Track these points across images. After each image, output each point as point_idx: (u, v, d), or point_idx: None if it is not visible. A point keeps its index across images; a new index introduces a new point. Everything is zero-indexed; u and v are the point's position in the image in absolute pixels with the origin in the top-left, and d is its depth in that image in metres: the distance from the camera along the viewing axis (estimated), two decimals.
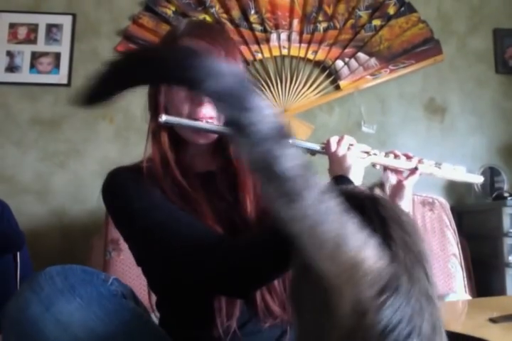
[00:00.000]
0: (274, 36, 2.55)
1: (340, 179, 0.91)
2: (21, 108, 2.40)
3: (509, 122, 2.67)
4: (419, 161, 1.02)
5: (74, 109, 2.40)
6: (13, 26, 2.45)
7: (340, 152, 0.96)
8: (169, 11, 2.50)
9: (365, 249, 0.46)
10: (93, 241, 2.05)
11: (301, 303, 0.55)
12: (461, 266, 2.11)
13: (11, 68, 2.43)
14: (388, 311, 0.44)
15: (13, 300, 0.72)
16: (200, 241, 0.80)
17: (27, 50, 2.45)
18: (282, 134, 0.46)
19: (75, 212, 2.34)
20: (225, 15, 2.52)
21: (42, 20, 2.47)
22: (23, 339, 0.69)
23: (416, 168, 1.01)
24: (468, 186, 2.50)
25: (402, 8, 2.63)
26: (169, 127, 0.94)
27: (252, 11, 2.54)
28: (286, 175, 0.45)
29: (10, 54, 2.44)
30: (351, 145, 0.98)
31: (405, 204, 1.01)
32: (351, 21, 2.60)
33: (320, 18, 2.58)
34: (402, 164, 1.02)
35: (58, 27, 2.47)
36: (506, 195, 2.35)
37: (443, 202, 2.23)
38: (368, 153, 1.00)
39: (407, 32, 2.62)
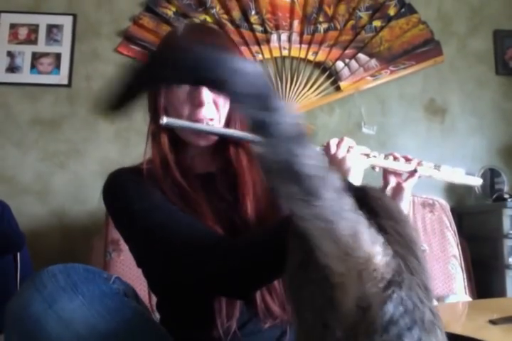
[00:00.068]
0: (274, 37, 2.55)
1: None
2: (22, 108, 2.41)
3: (509, 123, 2.67)
4: (419, 163, 1.03)
5: (74, 109, 2.41)
6: (13, 27, 2.46)
7: (340, 154, 0.97)
8: (170, 11, 2.50)
9: (375, 245, 0.47)
10: (93, 242, 2.05)
11: (301, 302, 0.55)
12: (461, 268, 2.11)
13: (12, 68, 2.43)
14: (391, 305, 0.45)
15: (16, 298, 0.72)
16: (200, 241, 0.80)
17: (27, 50, 2.45)
18: (303, 134, 0.47)
19: (75, 213, 2.34)
20: (225, 16, 2.53)
21: (42, 21, 2.47)
22: (25, 336, 0.70)
23: (415, 171, 1.02)
24: (468, 187, 2.49)
25: (403, 9, 2.63)
26: (169, 129, 0.94)
27: (253, 12, 2.54)
28: (307, 174, 0.46)
29: (10, 54, 2.44)
30: (351, 147, 0.99)
31: (404, 205, 1.02)
32: (352, 22, 2.60)
33: (320, 19, 2.58)
34: (402, 166, 1.02)
35: (59, 27, 2.47)
36: (506, 196, 2.35)
37: (443, 203, 2.23)
38: (367, 155, 1.00)
39: (407, 33, 2.63)
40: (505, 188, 2.51)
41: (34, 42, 2.46)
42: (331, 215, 0.46)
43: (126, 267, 1.83)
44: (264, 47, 2.53)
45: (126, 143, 2.40)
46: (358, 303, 0.46)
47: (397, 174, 1.04)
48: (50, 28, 2.47)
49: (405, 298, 0.46)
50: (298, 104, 2.49)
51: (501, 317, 1.11)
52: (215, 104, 0.93)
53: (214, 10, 2.52)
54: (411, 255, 0.52)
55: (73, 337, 0.69)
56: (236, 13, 2.52)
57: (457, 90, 2.66)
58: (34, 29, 2.47)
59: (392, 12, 2.63)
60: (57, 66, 2.44)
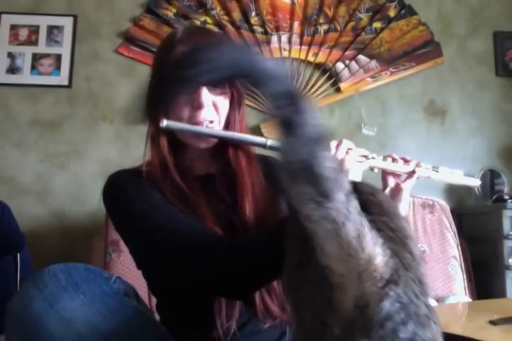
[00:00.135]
0: (274, 38, 2.55)
1: None
2: (22, 109, 2.41)
3: (509, 124, 2.67)
4: (417, 165, 1.03)
5: (74, 110, 2.41)
6: (14, 28, 2.46)
7: (339, 156, 0.97)
8: (170, 12, 2.50)
9: (376, 247, 0.48)
10: (93, 243, 2.05)
11: (300, 302, 0.55)
12: (462, 268, 2.11)
13: (12, 69, 2.43)
14: (388, 302, 0.46)
15: (17, 297, 0.72)
16: (200, 241, 0.80)
17: (28, 51, 2.45)
18: (325, 137, 0.49)
19: (75, 213, 2.34)
20: (225, 17, 2.53)
21: (43, 22, 2.48)
22: (26, 335, 0.70)
23: (413, 172, 1.02)
24: (468, 188, 2.50)
25: (403, 11, 2.64)
26: (169, 131, 0.94)
27: (253, 13, 2.54)
28: (324, 176, 0.47)
29: (11, 55, 2.44)
30: (350, 149, 0.99)
31: (403, 206, 1.02)
32: (352, 24, 2.61)
33: (321, 21, 2.58)
34: (400, 168, 1.03)
35: (59, 28, 2.48)
36: (506, 197, 2.36)
37: (443, 204, 2.23)
38: (366, 156, 1.01)
39: (407, 34, 2.63)
40: (505, 189, 2.51)
41: (34, 43, 2.46)
42: (339, 217, 0.47)
43: (126, 268, 1.83)
44: (265, 49, 2.53)
45: (126, 143, 2.40)
46: (357, 302, 0.47)
47: (395, 175, 1.04)
48: (51, 29, 2.48)
49: (401, 294, 0.47)
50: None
51: (501, 318, 1.11)
52: (215, 106, 0.93)
53: (214, 11, 2.52)
54: (405, 251, 0.53)
55: (74, 336, 0.69)
56: (236, 15, 2.53)
57: (457, 91, 2.67)
58: (34, 30, 2.47)
59: (392, 13, 2.64)
60: (58, 67, 2.44)
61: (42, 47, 2.46)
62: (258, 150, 1.02)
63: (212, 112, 0.93)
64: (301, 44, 2.56)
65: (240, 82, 0.55)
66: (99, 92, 2.45)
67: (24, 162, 2.37)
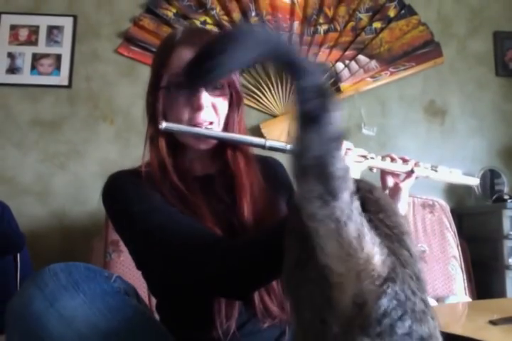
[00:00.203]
0: None
1: None
2: (22, 109, 2.41)
3: (509, 125, 2.67)
4: (416, 164, 1.04)
5: (74, 110, 2.41)
6: (14, 28, 2.46)
7: None
8: (170, 13, 2.50)
9: (374, 246, 0.48)
10: (93, 243, 2.05)
11: (299, 300, 0.56)
12: (462, 268, 2.11)
13: (12, 70, 2.43)
14: (386, 299, 0.47)
15: (17, 296, 0.73)
16: (199, 242, 0.80)
17: (28, 51, 2.45)
18: (342, 138, 0.50)
19: (75, 214, 2.34)
20: (225, 17, 2.53)
21: (43, 22, 2.48)
22: (26, 334, 0.70)
23: (412, 171, 1.03)
24: (468, 188, 2.50)
25: (403, 11, 2.64)
26: (167, 133, 0.94)
27: (253, 13, 2.54)
28: (335, 175, 0.47)
29: (11, 55, 2.44)
30: (348, 149, 0.99)
31: (402, 206, 1.02)
32: (352, 24, 2.61)
33: (320, 21, 2.58)
34: (399, 167, 1.03)
35: (59, 29, 2.48)
36: (506, 197, 2.36)
37: (443, 204, 2.23)
38: (365, 156, 1.01)
39: (407, 34, 2.63)
40: (505, 189, 2.51)
41: (34, 43, 2.46)
42: (343, 217, 0.47)
43: (126, 268, 1.83)
44: None
45: (126, 143, 2.40)
46: (355, 300, 0.47)
47: (394, 175, 1.04)
48: (51, 29, 2.48)
49: (399, 291, 0.48)
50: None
51: (501, 318, 1.11)
52: (214, 107, 0.94)
53: (214, 11, 2.52)
54: (402, 247, 0.54)
55: (74, 336, 0.69)
56: (236, 15, 2.53)
57: (457, 92, 2.67)
58: (34, 30, 2.47)
59: (392, 13, 2.64)
60: (58, 67, 2.44)
61: (42, 48, 2.46)
62: (257, 151, 1.02)
63: (212, 114, 0.94)
64: (301, 44, 2.56)
65: (276, 66, 0.54)
66: (99, 92, 2.45)
67: (24, 162, 2.37)
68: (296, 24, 2.58)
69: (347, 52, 2.57)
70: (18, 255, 1.86)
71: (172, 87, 0.92)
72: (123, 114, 2.42)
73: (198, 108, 0.91)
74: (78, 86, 2.44)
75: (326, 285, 0.49)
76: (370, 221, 0.52)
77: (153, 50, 2.34)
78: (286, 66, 0.51)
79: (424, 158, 1.08)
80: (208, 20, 2.52)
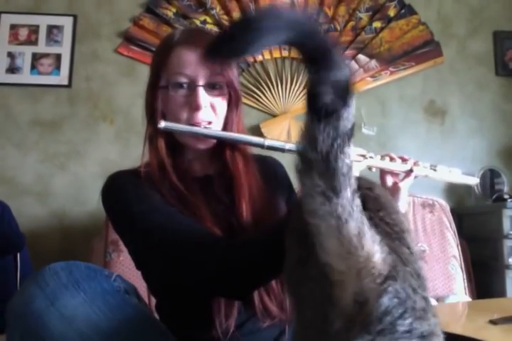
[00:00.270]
0: None
1: None
2: (22, 109, 2.41)
3: (509, 125, 2.67)
4: (415, 163, 1.04)
5: (74, 110, 2.41)
6: (14, 27, 2.46)
7: None
8: (170, 12, 2.50)
9: (374, 244, 0.48)
10: (93, 243, 2.05)
11: (300, 298, 0.56)
12: (461, 268, 2.11)
13: (12, 69, 2.43)
14: (387, 298, 0.47)
15: (18, 295, 0.73)
16: (199, 242, 0.80)
17: (28, 51, 2.45)
18: (352, 134, 0.50)
19: (76, 214, 2.34)
20: (225, 17, 2.53)
21: (43, 22, 2.48)
22: (27, 333, 0.70)
23: (411, 170, 1.02)
24: (468, 188, 2.50)
25: (403, 11, 2.64)
26: (166, 133, 0.95)
27: (253, 13, 2.53)
28: (341, 172, 0.48)
29: (11, 55, 2.44)
30: None
31: (401, 205, 1.02)
32: (352, 23, 2.61)
33: (320, 20, 2.58)
34: (398, 166, 1.03)
35: (59, 28, 2.48)
36: (506, 196, 2.36)
37: (443, 203, 2.23)
38: (364, 156, 1.01)
39: (407, 34, 2.63)
40: (505, 189, 2.51)
41: (34, 43, 2.46)
42: (344, 214, 0.47)
43: (126, 268, 1.83)
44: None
45: (126, 144, 2.40)
46: (356, 298, 0.47)
47: (393, 174, 1.04)
48: (51, 28, 2.48)
49: (399, 289, 0.48)
50: (298, 105, 2.49)
51: (501, 318, 1.11)
52: (213, 107, 0.94)
53: (214, 11, 2.52)
54: (402, 245, 0.54)
55: (75, 334, 0.69)
56: (236, 14, 2.52)
57: (457, 92, 2.67)
58: (34, 30, 2.47)
59: (392, 13, 2.64)
60: (58, 67, 2.44)
61: (42, 47, 2.46)
62: (257, 151, 1.02)
63: (210, 113, 0.94)
64: None
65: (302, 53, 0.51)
66: (99, 92, 2.45)
67: (24, 162, 2.36)
68: None
69: (347, 52, 2.57)
70: (18, 255, 1.86)
71: (170, 86, 0.92)
72: (123, 114, 2.42)
73: (196, 108, 0.91)
74: (78, 86, 2.44)
75: (327, 283, 0.49)
76: (370, 219, 0.52)
77: (153, 49, 2.34)
78: (317, 54, 0.49)
79: (424, 158, 1.08)
80: (208, 19, 2.52)
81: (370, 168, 1.04)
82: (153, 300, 1.01)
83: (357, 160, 1.00)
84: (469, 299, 2.04)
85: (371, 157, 1.02)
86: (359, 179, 0.64)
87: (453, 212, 2.26)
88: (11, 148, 2.37)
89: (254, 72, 2.50)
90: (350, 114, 0.50)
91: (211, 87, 0.93)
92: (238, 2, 2.53)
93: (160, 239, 0.82)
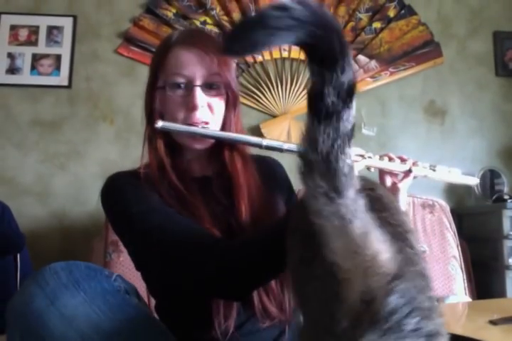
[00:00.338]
0: None
1: None
2: (22, 109, 2.41)
3: (509, 125, 2.67)
4: (414, 164, 1.03)
5: (74, 110, 2.41)
6: (14, 28, 2.46)
7: None
8: (170, 13, 2.50)
9: (381, 244, 0.48)
10: (93, 243, 2.05)
11: (306, 297, 0.56)
12: (462, 268, 2.11)
13: (12, 70, 2.43)
14: (394, 297, 0.47)
15: (18, 294, 0.73)
16: (198, 242, 0.80)
17: (28, 51, 2.45)
18: (353, 135, 0.51)
19: (76, 214, 2.34)
20: (225, 18, 2.53)
21: (43, 22, 2.48)
22: (27, 332, 0.70)
23: (410, 170, 1.02)
24: (468, 188, 2.50)
25: (403, 11, 2.64)
26: (165, 133, 0.95)
27: (253, 14, 2.53)
28: (343, 172, 0.48)
29: (11, 56, 2.44)
30: None
31: (401, 205, 1.02)
32: (351, 24, 2.61)
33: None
34: (397, 167, 1.02)
35: (59, 29, 2.48)
36: (506, 197, 2.36)
37: (443, 204, 2.23)
38: (362, 156, 1.01)
39: (407, 34, 2.63)
40: (505, 189, 2.51)
41: (34, 43, 2.46)
42: (348, 214, 0.47)
43: (126, 268, 1.83)
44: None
45: (126, 144, 2.40)
46: (363, 297, 0.47)
47: (392, 174, 1.04)
48: (51, 29, 2.48)
49: (406, 289, 0.48)
50: (298, 105, 2.49)
51: (501, 318, 1.11)
52: (210, 107, 0.94)
53: (214, 11, 2.52)
54: (406, 246, 0.54)
55: (75, 334, 0.69)
56: (236, 15, 2.53)
57: (457, 92, 2.67)
58: (34, 30, 2.47)
59: (392, 14, 2.64)
60: (58, 67, 2.44)
61: (42, 48, 2.46)
62: (256, 151, 1.02)
63: (207, 113, 0.94)
64: None
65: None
66: (99, 92, 2.45)
67: (24, 162, 2.37)
68: None
69: None
70: (18, 255, 1.86)
71: (168, 87, 0.92)
72: (123, 114, 2.42)
73: (193, 107, 0.92)
74: (78, 86, 2.44)
75: (334, 282, 0.49)
76: (373, 220, 0.52)
77: (153, 50, 2.34)
78: (329, 57, 0.48)
79: (424, 158, 1.08)
80: (208, 20, 2.52)
81: (368, 168, 1.03)
82: (153, 301, 1.01)
83: (355, 160, 0.99)
84: (469, 299, 2.04)
85: (370, 157, 1.01)
86: (361, 179, 0.64)
87: (453, 212, 2.26)
88: (11, 148, 2.37)
89: (254, 73, 2.50)
90: (350, 116, 0.50)
91: (208, 87, 0.93)
92: (238, 3, 2.53)
93: (159, 240, 0.82)
